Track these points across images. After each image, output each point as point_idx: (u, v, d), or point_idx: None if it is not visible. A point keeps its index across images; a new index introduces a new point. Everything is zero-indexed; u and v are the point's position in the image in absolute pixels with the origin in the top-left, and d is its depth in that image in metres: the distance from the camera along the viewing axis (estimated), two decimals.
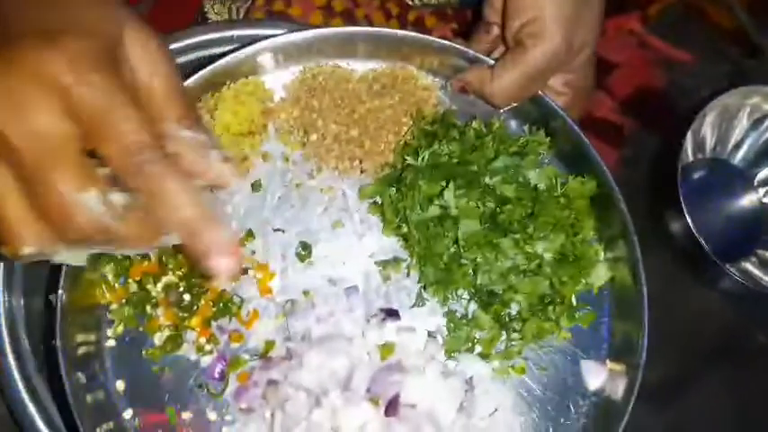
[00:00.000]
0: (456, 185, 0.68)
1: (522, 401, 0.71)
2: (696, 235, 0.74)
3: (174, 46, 0.77)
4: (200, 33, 0.78)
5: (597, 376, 0.70)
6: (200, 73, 0.69)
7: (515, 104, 0.72)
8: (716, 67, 0.88)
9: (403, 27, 0.86)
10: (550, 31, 0.66)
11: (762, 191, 0.85)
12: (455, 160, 0.69)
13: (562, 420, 0.71)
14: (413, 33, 0.71)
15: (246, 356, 0.70)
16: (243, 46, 0.71)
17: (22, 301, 0.74)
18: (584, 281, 0.69)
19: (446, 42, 0.71)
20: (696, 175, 0.84)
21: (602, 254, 0.71)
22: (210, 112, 0.71)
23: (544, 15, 0.66)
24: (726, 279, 0.77)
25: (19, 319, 0.74)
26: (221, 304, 0.70)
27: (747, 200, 0.85)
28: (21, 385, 0.72)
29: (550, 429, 0.70)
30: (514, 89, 0.69)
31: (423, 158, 0.69)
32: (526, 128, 0.74)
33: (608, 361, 0.71)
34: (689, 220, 0.75)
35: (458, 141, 0.70)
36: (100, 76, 0.45)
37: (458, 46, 0.71)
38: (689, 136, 0.79)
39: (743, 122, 0.84)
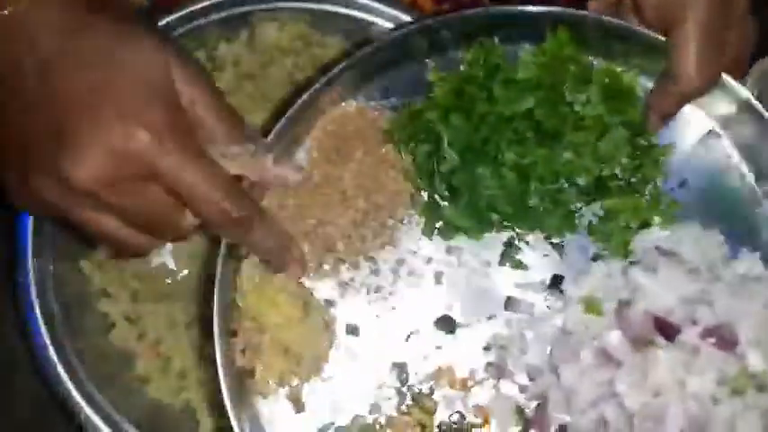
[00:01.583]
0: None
1: None
2: None
3: None
4: None
5: None
6: None
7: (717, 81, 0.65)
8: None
9: None
10: None
11: None
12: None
13: None
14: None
15: None
16: None
17: (51, 267, 0.72)
18: None
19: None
20: None
21: None
22: None
23: None
24: None
25: (48, 284, 0.71)
26: None
27: None
28: (52, 351, 0.69)
29: None
30: (704, 67, 0.62)
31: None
32: None
33: None
34: None
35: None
36: (181, 151, 0.50)
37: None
38: None
39: None
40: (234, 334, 0.62)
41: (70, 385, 0.69)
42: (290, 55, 0.80)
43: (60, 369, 0.69)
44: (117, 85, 0.49)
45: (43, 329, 0.69)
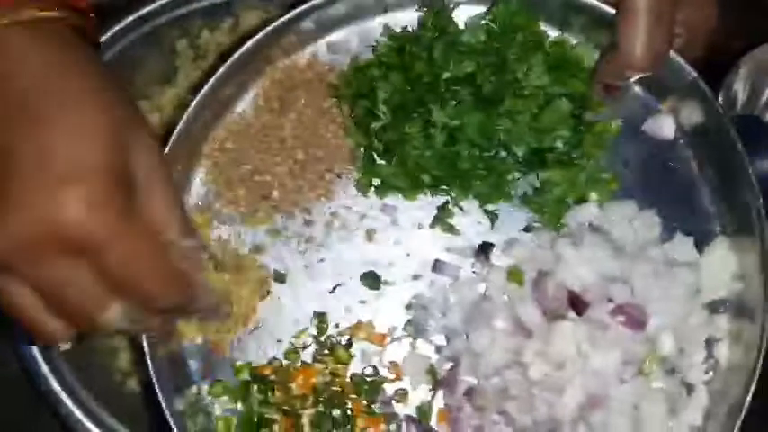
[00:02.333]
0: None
1: None
2: None
3: None
4: None
5: None
6: None
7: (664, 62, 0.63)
8: (751, 20, 0.83)
9: None
10: None
11: None
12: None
13: None
14: None
15: None
16: None
17: None
18: None
19: None
20: None
21: None
22: None
23: None
24: None
25: None
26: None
27: None
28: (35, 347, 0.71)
29: None
30: (648, 42, 0.60)
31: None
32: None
33: None
34: None
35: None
36: (118, 224, 0.44)
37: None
38: (721, 91, 0.74)
39: None
40: None
41: (52, 379, 0.70)
42: None
43: (42, 363, 0.70)
44: (65, 149, 0.44)
45: None
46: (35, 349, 0.70)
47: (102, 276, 0.45)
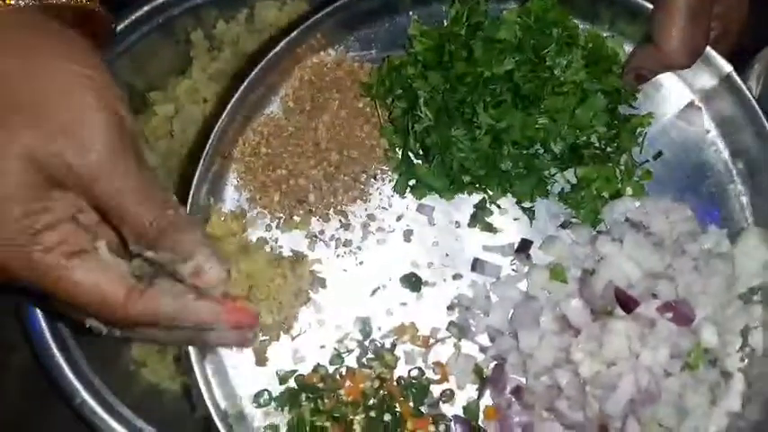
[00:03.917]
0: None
1: None
2: None
3: None
4: None
5: None
6: None
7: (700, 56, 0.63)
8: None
9: None
10: None
11: None
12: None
13: None
14: None
15: None
16: None
17: None
18: None
19: None
20: None
21: None
22: None
23: None
24: None
25: None
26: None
27: None
28: (48, 335, 0.69)
29: None
30: (687, 37, 0.60)
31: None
32: None
33: None
34: None
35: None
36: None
37: None
38: None
39: None
40: None
41: (66, 368, 0.69)
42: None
43: (56, 352, 0.69)
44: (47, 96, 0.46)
45: (39, 313, 0.68)
46: (49, 338, 0.68)
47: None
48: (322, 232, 0.67)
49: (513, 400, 0.64)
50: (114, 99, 0.47)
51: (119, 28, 0.71)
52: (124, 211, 0.47)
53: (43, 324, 0.68)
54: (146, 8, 0.73)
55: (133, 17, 0.73)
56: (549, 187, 0.67)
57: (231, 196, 0.67)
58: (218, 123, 0.63)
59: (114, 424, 0.68)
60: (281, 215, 0.67)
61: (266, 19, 0.76)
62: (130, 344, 0.74)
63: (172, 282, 0.50)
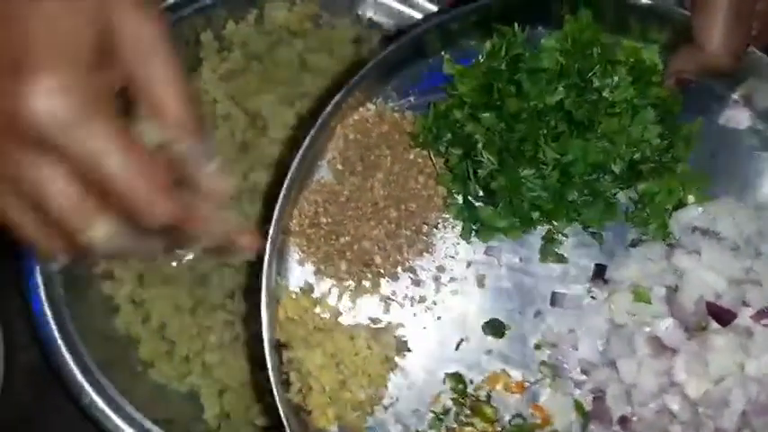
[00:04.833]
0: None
1: None
2: None
3: None
4: None
5: None
6: None
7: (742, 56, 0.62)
8: None
9: None
10: None
11: None
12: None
13: None
14: None
15: None
16: None
17: None
18: None
19: None
20: None
21: None
22: None
23: None
24: None
25: (53, 266, 0.69)
26: None
27: None
28: (56, 333, 0.68)
29: None
30: (731, 36, 0.60)
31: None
32: None
33: None
34: None
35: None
36: (86, 112, 0.39)
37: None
38: None
39: None
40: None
41: (74, 367, 0.68)
42: (300, 36, 0.75)
43: (64, 351, 0.68)
44: (27, 34, 0.40)
45: (47, 311, 0.68)
46: (57, 338, 0.68)
47: (87, 187, 0.41)
48: (394, 293, 0.65)
49: (621, 431, 0.63)
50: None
51: None
52: (165, 99, 0.43)
53: (52, 324, 0.68)
54: None
55: None
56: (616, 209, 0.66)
57: (295, 272, 0.64)
58: (279, 200, 0.60)
59: (122, 424, 0.68)
60: (351, 282, 0.64)
61: (276, 20, 0.75)
62: (138, 344, 0.72)
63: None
